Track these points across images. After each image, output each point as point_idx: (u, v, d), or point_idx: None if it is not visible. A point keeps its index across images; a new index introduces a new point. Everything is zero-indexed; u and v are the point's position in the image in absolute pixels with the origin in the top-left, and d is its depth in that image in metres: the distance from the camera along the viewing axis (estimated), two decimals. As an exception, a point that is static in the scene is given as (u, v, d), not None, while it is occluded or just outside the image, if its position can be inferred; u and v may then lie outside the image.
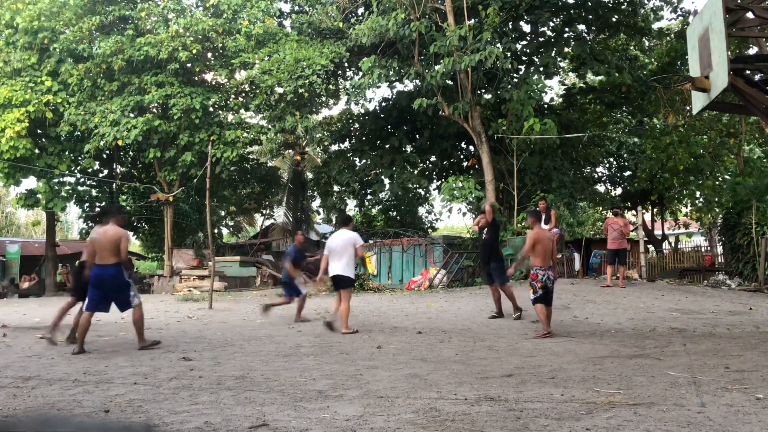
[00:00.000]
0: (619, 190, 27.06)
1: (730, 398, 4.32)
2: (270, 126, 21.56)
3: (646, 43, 23.04)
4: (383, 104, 23.99)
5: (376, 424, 3.73)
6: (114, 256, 6.91)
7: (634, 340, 7.66)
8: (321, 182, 24.86)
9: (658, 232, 27.18)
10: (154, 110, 20.39)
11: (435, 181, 25.02)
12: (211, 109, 20.68)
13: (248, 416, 3.97)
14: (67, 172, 21.17)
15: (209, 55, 21.04)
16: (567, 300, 11.28)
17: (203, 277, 19.27)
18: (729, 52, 7.46)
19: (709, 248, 22.23)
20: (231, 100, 21.40)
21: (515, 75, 19.25)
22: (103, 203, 24.73)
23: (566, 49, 20.85)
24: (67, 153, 21.48)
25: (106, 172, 24.90)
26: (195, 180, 20.11)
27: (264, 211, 29.91)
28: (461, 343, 7.46)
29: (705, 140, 19.80)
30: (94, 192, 24.48)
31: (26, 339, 8.20)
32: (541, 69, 19.98)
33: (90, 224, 26.43)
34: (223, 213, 30.54)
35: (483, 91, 19.41)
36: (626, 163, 26.42)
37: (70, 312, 7.88)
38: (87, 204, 24.45)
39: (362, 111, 24.97)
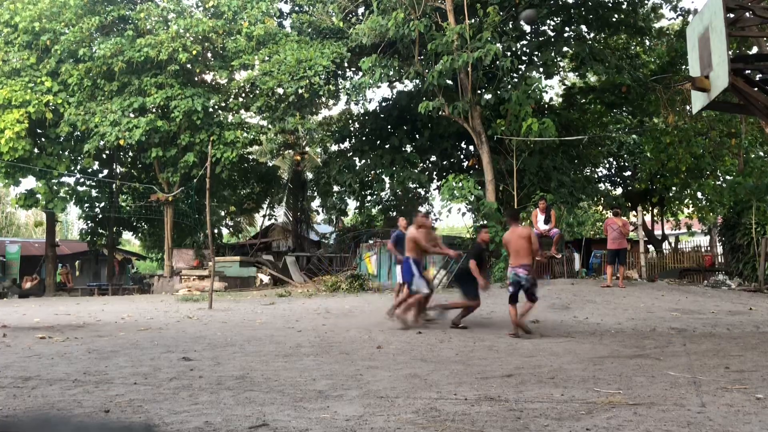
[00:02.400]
0: (619, 190, 27.03)
1: (730, 398, 4.32)
2: (270, 126, 21.54)
3: (647, 43, 23.03)
4: (383, 104, 23.96)
5: (376, 424, 3.73)
6: (409, 251, 9.43)
7: (634, 340, 7.66)
8: (321, 182, 24.85)
9: (658, 232, 27.13)
10: (154, 110, 20.37)
11: (435, 181, 24.99)
12: (211, 110, 20.66)
13: (248, 416, 3.97)
14: (66, 172, 21.14)
15: (209, 55, 21.01)
16: (567, 300, 11.28)
17: (203, 277, 19.26)
18: (729, 52, 7.46)
19: (709, 248, 22.19)
20: (231, 100, 21.37)
21: (515, 75, 19.22)
22: (103, 204, 24.73)
23: (566, 49, 20.83)
24: (66, 153, 21.44)
25: (105, 172, 24.88)
26: (195, 180, 20.10)
27: (264, 211, 29.89)
28: (461, 343, 7.46)
29: (706, 141, 19.79)
30: (93, 192, 24.45)
31: (26, 339, 8.19)
32: (541, 69, 19.93)
33: (89, 224, 26.43)
34: (223, 213, 30.49)
35: (483, 90, 19.39)
36: (626, 164, 26.39)
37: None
38: (87, 204, 24.43)
39: (362, 111, 24.95)
